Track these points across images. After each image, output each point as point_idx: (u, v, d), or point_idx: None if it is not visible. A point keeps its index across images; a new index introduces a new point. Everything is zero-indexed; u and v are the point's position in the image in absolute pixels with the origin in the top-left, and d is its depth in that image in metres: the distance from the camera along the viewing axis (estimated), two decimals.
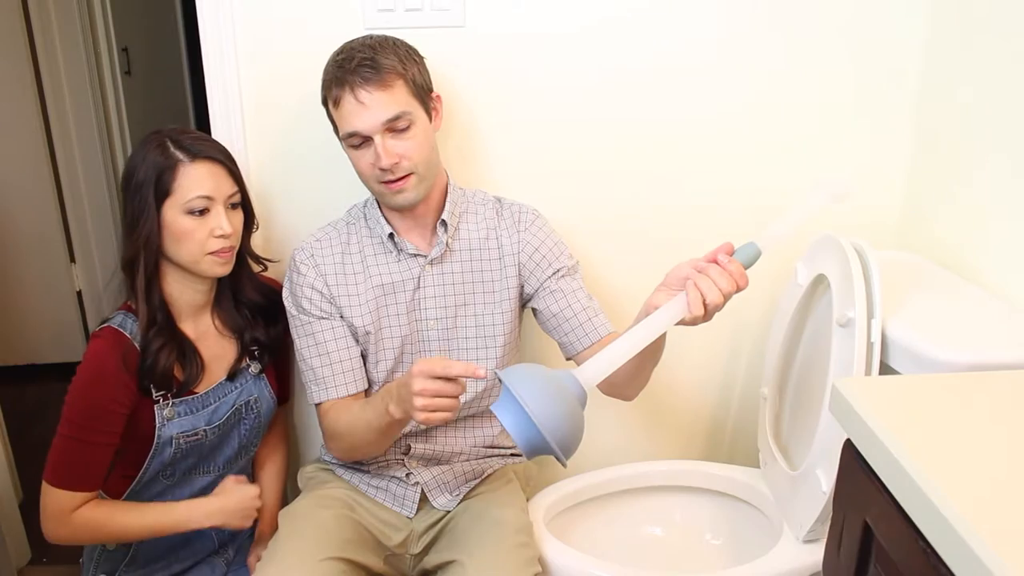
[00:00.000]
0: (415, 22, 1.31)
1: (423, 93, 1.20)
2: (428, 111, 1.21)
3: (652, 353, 1.13)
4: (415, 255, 1.26)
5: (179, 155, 1.17)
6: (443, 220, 1.25)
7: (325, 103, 1.20)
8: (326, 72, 1.19)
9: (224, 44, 1.33)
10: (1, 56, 2.48)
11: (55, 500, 1.21)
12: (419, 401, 0.99)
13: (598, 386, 1.26)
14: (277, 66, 1.36)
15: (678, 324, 0.98)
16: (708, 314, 0.96)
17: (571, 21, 1.36)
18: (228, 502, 1.27)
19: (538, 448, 0.89)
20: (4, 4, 2.43)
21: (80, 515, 1.23)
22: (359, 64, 1.14)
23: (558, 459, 0.90)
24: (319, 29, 1.33)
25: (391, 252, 1.26)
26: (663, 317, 0.96)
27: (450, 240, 1.27)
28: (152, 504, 1.27)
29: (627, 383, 1.23)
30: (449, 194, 1.27)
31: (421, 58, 1.22)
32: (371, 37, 1.19)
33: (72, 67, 2.63)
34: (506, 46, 1.37)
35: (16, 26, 2.47)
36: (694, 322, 0.97)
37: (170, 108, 3.46)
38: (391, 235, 1.25)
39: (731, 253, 0.97)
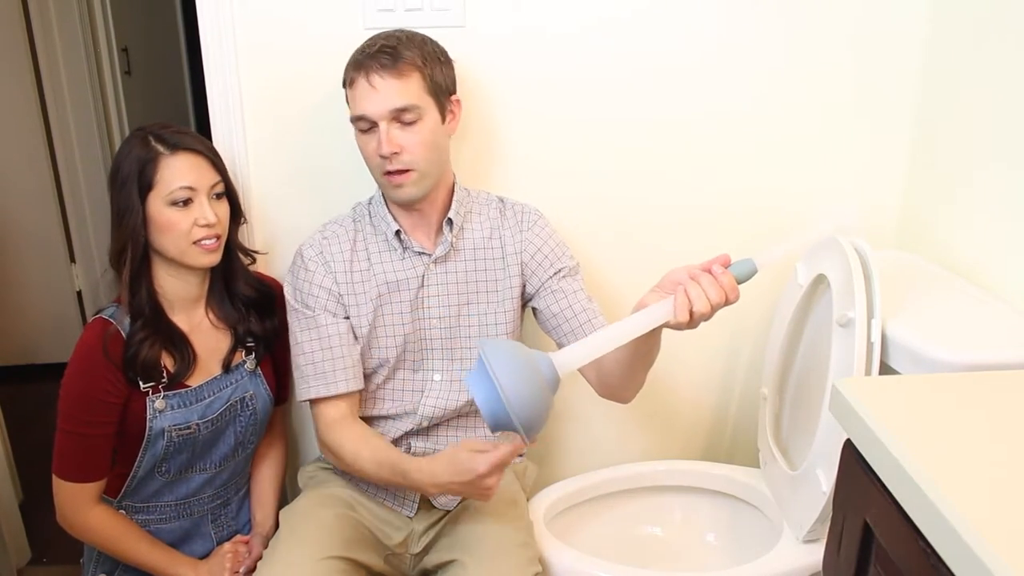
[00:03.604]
0: (415, 22, 1.31)
1: (440, 92, 1.19)
2: (443, 111, 1.21)
3: (645, 355, 1.13)
4: (420, 253, 1.26)
5: (160, 148, 1.19)
6: (449, 219, 1.25)
7: (344, 85, 1.22)
8: (350, 57, 1.20)
9: (224, 44, 1.33)
10: (1, 56, 2.48)
11: (66, 493, 1.25)
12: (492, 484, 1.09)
13: (595, 389, 1.26)
14: (277, 66, 1.36)
15: (666, 328, 0.98)
16: (694, 322, 0.96)
17: (571, 21, 1.36)
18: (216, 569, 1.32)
19: (503, 423, 0.91)
20: (4, 4, 2.43)
21: (98, 516, 1.27)
22: (379, 50, 1.15)
23: (522, 437, 0.92)
24: (319, 29, 1.33)
25: (396, 250, 1.26)
26: (647, 318, 0.97)
27: (455, 240, 1.27)
28: (163, 545, 1.32)
29: (621, 385, 1.23)
30: (455, 194, 1.27)
31: (449, 61, 1.22)
32: (402, 31, 1.20)
33: (72, 67, 2.63)
34: (506, 46, 1.37)
35: (16, 26, 2.47)
36: (679, 327, 0.97)
37: (170, 108, 3.46)
38: (397, 232, 1.25)
39: (727, 265, 0.97)
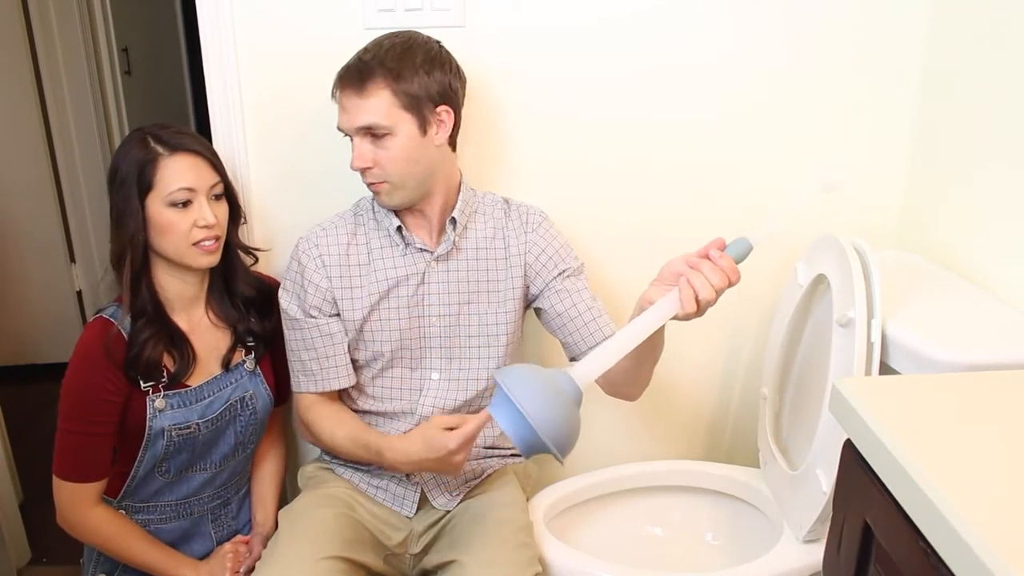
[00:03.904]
0: (415, 22, 1.31)
1: (419, 105, 1.16)
2: (423, 124, 1.18)
3: (651, 352, 1.13)
4: (422, 250, 1.26)
5: (159, 149, 1.19)
6: (453, 218, 1.25)
7: None
8: None
9: (224, 44, 1.33)
10: (1, 56, 2.48)
11: (66, 493, 1.25)
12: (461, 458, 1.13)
13: (601, 388, 1.26)
14: (277, 66, 1.36)
15: (672, 319, 0.97)
16: (701, 310, 0.96)
17: (571, 21, 1.36)
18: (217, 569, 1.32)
19: (535, 448, 0.90)
20: (4, 4, 2.43)
21: (99, 517, 1.27)
22: (351, 65, 1.17)
23: (556, 458, 0.91)
24: (318, 29, 1.33)
25: (398, 246, 1.27)
26: (656, 315, 0.96)
27: (457, 238, 1.27)
28: (163, 545, 1.32)
29: (628, 382, 1.23)
30: (461, 194, 1.28)
31: (440, 68, 1.18)
32: (397, 36, 1.19)
33: (72, 67, 2.63)
34: (506, 46, 1.37)
35: (16, 26, 2.47)
36: (687, 318, 0.97)
37: (170, 108, 3.46)
38: (399, 228, 1.25)
39: (723, 248, 0.97)
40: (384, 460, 1.20)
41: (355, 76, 1.15)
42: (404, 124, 1.16)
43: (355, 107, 1.15)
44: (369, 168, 1.18)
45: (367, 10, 1.33)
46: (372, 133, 1.16)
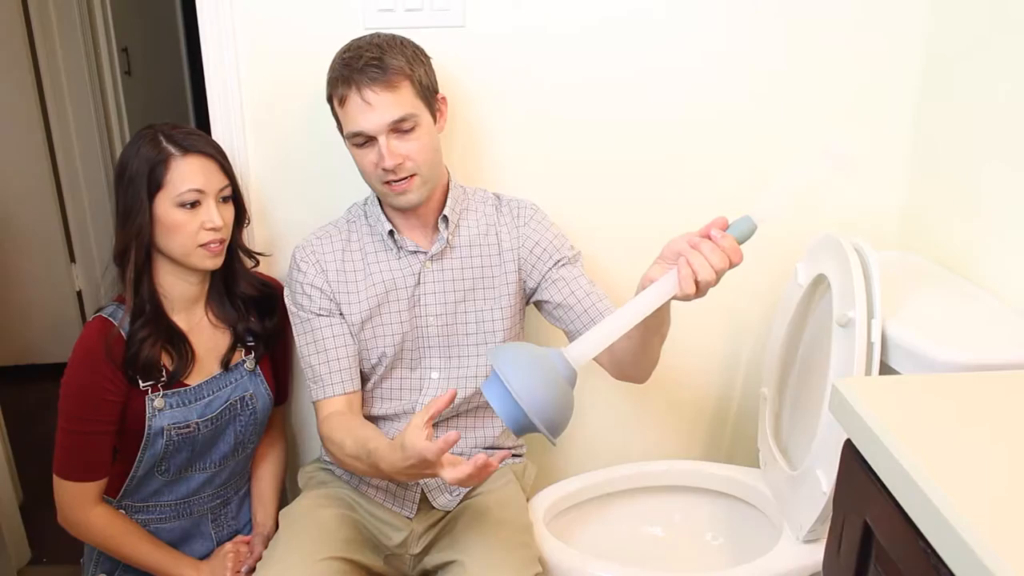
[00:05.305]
0: (415, 22, 1.31)
1: (429, 95, 1.20)
2: (433, 112, 1.21)
3: (656, 329, 1.11)
4: (415, 252, 1.26)
5: (171, 149, 1.19)
6: (444, 216, 1.25)
7: (330, 100, 1.20)
8: (332, 70, 1.19)
9: (224, 44, 1.33)
10: (1, 56, 2.48)
11: (67, 492, 1.25)
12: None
13: (609, 372, 1.25)
14: (277, 66, 1.36)
15: (673, 300, 0.96)
16: (701, 291, 0.93)
17: (571, 21, 1.36)
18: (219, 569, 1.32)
19: (526, 428, 0.89)
20: (4, 4, 2.43)
21: (99, 516, 1.27)
22: (367, 63, 1.14)
23: (547, 438, 0.90)
24: (319, 29, 1.33)
25: (391, 249, 1.27)
26: (653, 295, 0.94)
27: (450, 237, 1.27)
28: (164, 545, 1.32)
29: (634, 363, 1.21)
30: (450, 191, 1.27)
31: (428, 59, 1.22)
32: (379, 36, 1.19)
33: (72, 67, 2.63)
34: (506, 46, 1.37)
35: (16, 26, 2.47)
36: (687, 299, 0.94)
37: (170, 108, 3.46)
38: (391, 232, 1.25)
39: (725, 228, 0.94)
40: (381, 472, 1.14)
41: (379, 72, 1.14)
42: (424, 113, 1.18)
43: (385, 102, 1.14)
44: (401, 164, 1.16)
45: (367, 10, 1.33)
46: (399, 128, 1.15)
